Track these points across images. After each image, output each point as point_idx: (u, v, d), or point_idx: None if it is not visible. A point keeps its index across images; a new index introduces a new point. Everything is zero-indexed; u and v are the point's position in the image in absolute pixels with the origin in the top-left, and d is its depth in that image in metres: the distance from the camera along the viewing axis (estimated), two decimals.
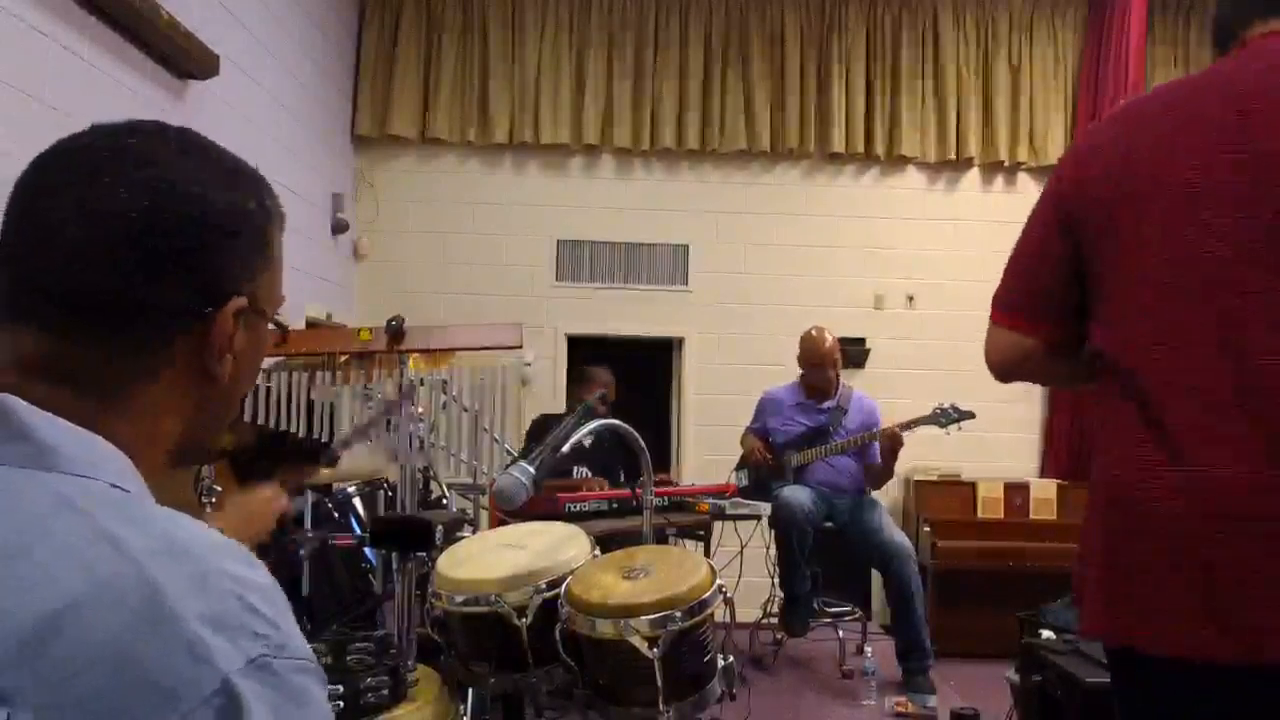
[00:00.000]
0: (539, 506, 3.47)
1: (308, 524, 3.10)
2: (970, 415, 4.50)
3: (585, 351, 5.91)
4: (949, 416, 4.49)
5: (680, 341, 6.28)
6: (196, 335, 0.74)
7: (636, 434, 2.34)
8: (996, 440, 6.08)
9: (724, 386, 6.04)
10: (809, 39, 6.20)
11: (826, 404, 4.78)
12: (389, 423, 2.82)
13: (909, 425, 4.47)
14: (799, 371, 4.89)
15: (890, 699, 4.33)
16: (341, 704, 1.99)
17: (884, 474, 4.68)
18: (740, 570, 4.36)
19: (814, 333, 4.82)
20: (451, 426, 2.87)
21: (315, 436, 2.98)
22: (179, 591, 0.58)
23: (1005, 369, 1.66)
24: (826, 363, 4.75)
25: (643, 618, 1.85)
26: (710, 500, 4.28)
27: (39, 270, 0.70)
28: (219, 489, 2.43)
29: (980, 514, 5.64)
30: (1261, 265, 1.25)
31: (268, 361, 3.08)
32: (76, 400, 0.68)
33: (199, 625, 0.57)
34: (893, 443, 4.47)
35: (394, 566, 2.66)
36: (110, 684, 0.54)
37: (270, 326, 0.84)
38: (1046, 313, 1.57)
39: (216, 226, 0.74)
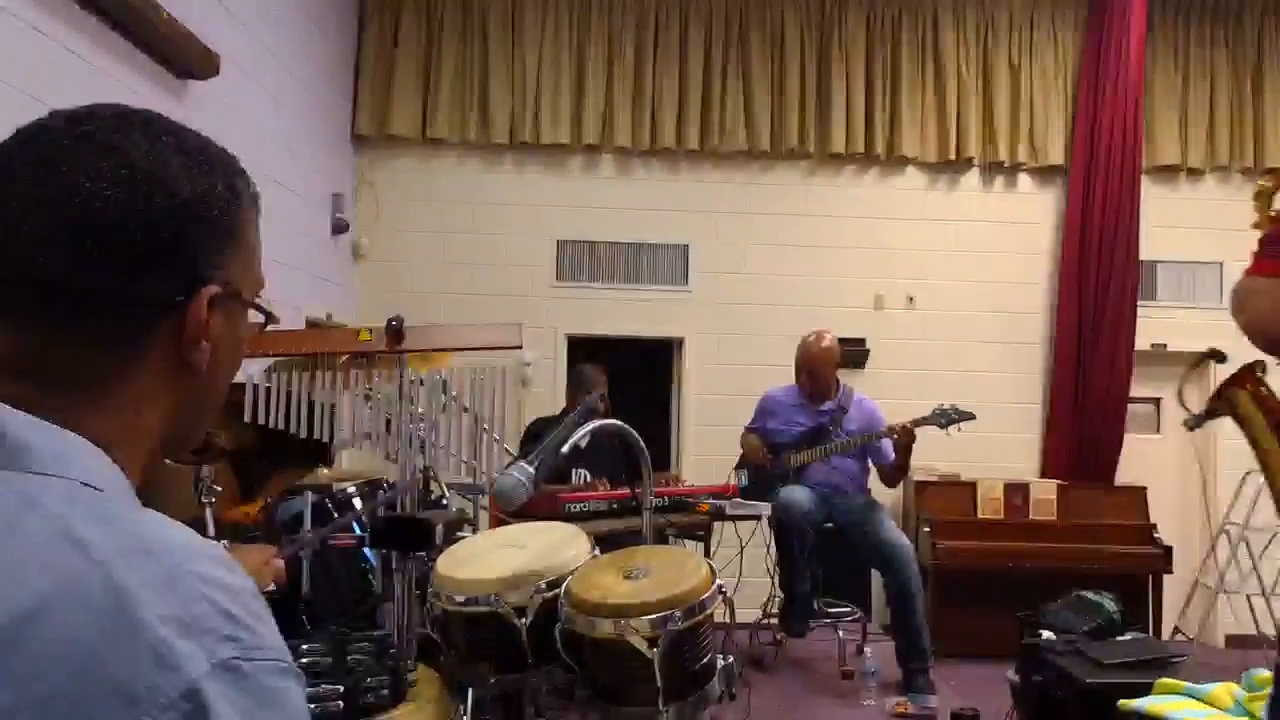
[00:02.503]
0: (539, 506, 3.47)
1: (308, 524, 3.10)
2: (970, 416, 4.50)
3: (584, 352, 5.91)
4: (949, 417, 4.49)
5: (680, 341, 6.28)
6: (171, 325, 0.72)
7: (636, 434, 2.33)
8: (996, 440, 6.08)
9: (724, 386, 6.04)
10: (809, 39, 6.21)
11: (826, 405, 4.77)
12: (389, 422, 2.82)
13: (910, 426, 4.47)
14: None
15: (890, 699, 4.33)
16: (341, 704, 1.99)
17: (900, 471, 4.67)
18: (740, 570, 4.36)
19: (810, 337, 4.82)
20: (451, 426, 2.87)
21: (315, 437, 2.98)
22: (146, 594, 0.57)
23: None
24: (822, 366, 4.74)
25: (643, 618, 1.85)
26: (710, 500, 4.28)
27: (1, 263, 0.68)
28: (219, 489, 2.43)
29: (980, 514, 5.64)
30: None
31: (267, 361, 3.07)
32: (49, 396, 0.67)
33: (165, 628, 0.56)
34: (907, 438, 4.44)
35: (394, 566, 2.66)
36: (73, 687, 0.54)
37: (254, 314, 0.82)
38: None
39: (184, 213, 0.71)
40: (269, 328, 0.85)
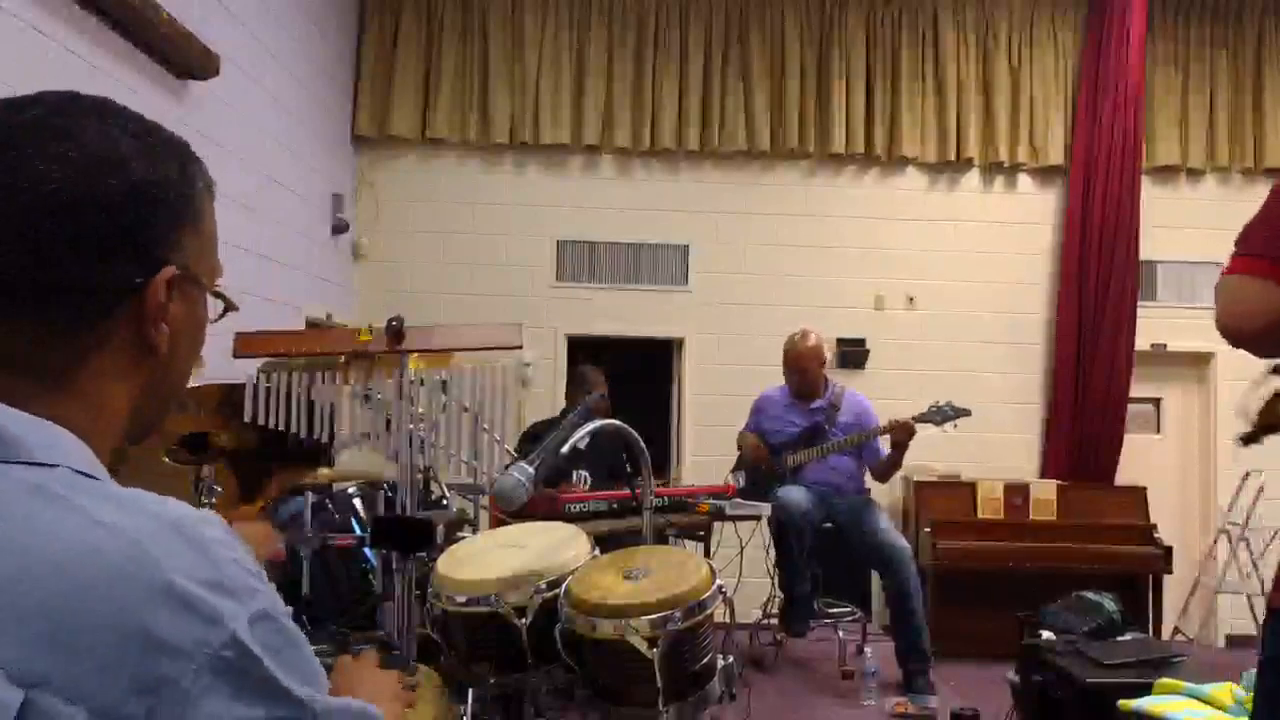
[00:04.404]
0: (539, 506, 3.47)
1: (308, 524, 3.10)
2: (965, 413, 4.50)
3: (584, 352, 5.91)
4: (944, 414, 4.49)
5: (680, 342, 6.28)
6: (131, 307, 0.72)
7: (636, 434, 2.33)
8: (996, 440, 6.08)
9: (724, 387, 6.04)
10: (809, 39, 6.20)
11: (817, 403, 4.77)
12: (389, 422, 2.82)
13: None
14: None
15: (890, 700, 4.33)
16: None
17: (893, 466, 4.62)
18: (740, 570, 4.36)
19: (796, 335, 4.81)
20: (451, 426, 2.87)
21: (315, 437, 2.98)
22: (178, 562, 0.62)
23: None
24: (805, 365, 4.73)
25: (643, 618, 1.85)
26: (710, 500, 4.28)
27: None
28: (219, 489, 2.43)
29: (980, 514, 5.63)
30: None
31: (267, 361, 3.07)
32: (14, 384, 0.68)
33: (204, 590, 0.62)
34: (904, 433, 4.38)
35: (394, 566, 2.66)
36: (128, 654, 0.59)
37: (214, 300, 0.82)
38: None
39: (139, 194, 0.72)
40: (228, 314, 0.85)
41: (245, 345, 2.82)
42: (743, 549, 4.58)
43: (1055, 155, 6.25)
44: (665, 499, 4.15)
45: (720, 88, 6.15)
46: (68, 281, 0.69)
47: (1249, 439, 1.77)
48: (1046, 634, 3.48)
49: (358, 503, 3.38)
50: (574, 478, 4.45)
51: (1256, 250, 1.47)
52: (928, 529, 5.49)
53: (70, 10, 2.92)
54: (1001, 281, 6.22)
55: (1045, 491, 5.70)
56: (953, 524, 5.53)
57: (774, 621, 5.05)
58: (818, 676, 4.84)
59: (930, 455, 5.80)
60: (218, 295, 0.82)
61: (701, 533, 4.54)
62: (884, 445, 4.57)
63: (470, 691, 2.49)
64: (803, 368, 4.73)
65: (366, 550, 3.23)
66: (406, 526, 2.51)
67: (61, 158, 0.69)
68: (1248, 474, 5.60)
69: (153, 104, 3.40)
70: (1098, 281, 6.04)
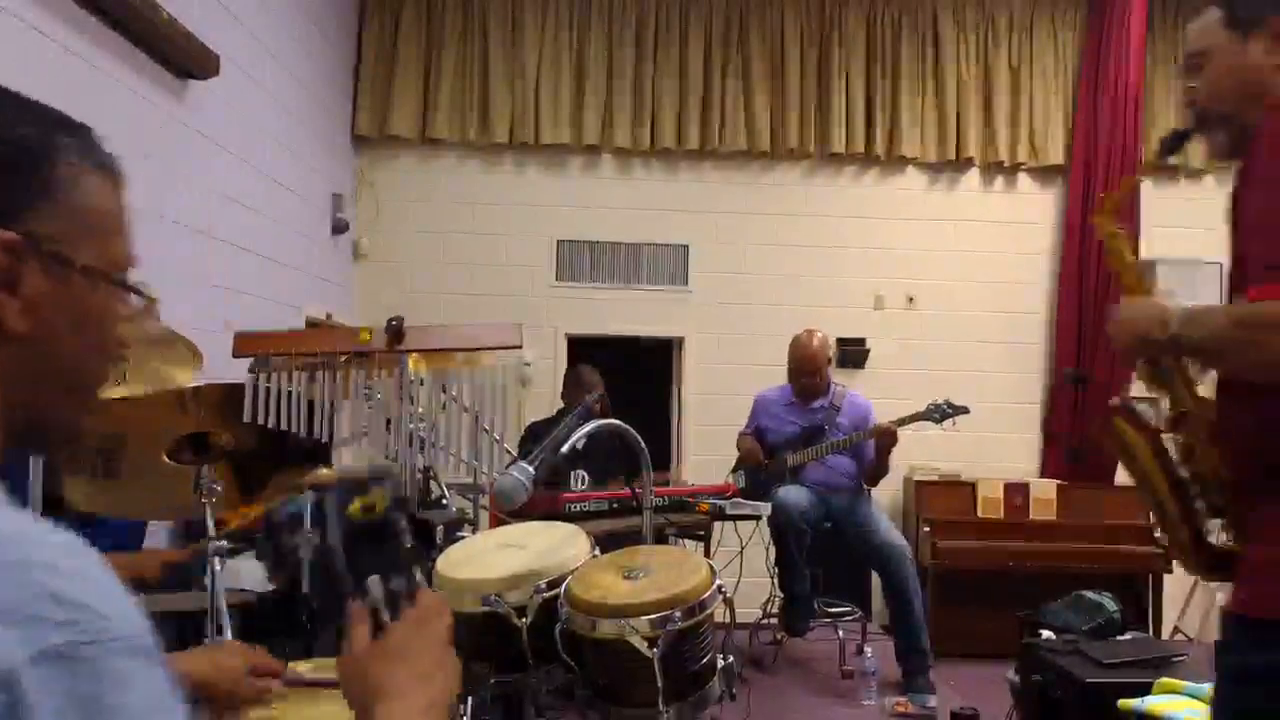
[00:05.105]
0: (539, 506, 3.47)
1: (307, 524, 3.09)
2: (964, 410, 4.52)
3: (584, 352, 5.91)
4: (943, 411, 4.51)
5: (680, 341, 6.28)
6: None
7: (636, 434, 2.33)
8: (996, 440, 6.07)
9: (724, 386, 6.04)
10: (809, 39, 6.21)
11: (818, 403, 4.77)
12: (389, 422, 2.82)
13: (904, 422, 4.49)
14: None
15: (890, 699, 4.33)
16: None
17: (880, 470, 4.68)
18: (740, 570, 4.36)
19: (803, 337, 4.81)
20: (451, 426, 2.87)
21: (315, 437, 2.97)
22: None
23: None
24: (814, 368, 4.74)
25: (643, 618, 1.85)
26: (710, 500, 4.28)
27: None
28: (219, 488, 2.42)
29: (980, 514, 5.63)
30: None
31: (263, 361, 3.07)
32: None
33: None
34: (887, 439, 4.48)
35: None
36: None
37: (128, 292, 0.76)
38: None
39: None
40: (153, 308, 0.80)
41: (245, 345, 2.83)
42: (743, 549, 4.58)
43: (1055, 155, 6.25)
44: (665, 499, 4.16)
45: (720, 88, 6.14)
46: None
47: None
48: (1046, 634, 3.48)
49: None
50: (572, 479, 4.45)
51: None
52: (927, 528, 5.49)
53: (70, 10, 2.91)
54: (1001, 281, 6.22)
55: (1045, 491, 5.69)
56: (953, 523, 5.53)
57: (774, 621, 5.05)
58: (818, 676, 4.84)
59: (930, 455, 5.81)
60: (116, 283, 0.75)
61: (701, 533, 4.54)
62: (871, 449, 4.62)
63: (470, 691, 2.49)
64: (816, 369, 4.73)
65: None
66: None
67: None
68: None
69: (153, 104, 3.40)
70: (1098, 281, 6.04)
